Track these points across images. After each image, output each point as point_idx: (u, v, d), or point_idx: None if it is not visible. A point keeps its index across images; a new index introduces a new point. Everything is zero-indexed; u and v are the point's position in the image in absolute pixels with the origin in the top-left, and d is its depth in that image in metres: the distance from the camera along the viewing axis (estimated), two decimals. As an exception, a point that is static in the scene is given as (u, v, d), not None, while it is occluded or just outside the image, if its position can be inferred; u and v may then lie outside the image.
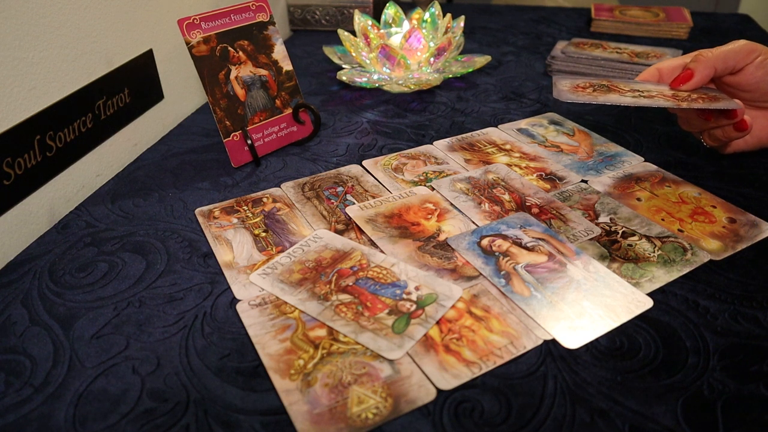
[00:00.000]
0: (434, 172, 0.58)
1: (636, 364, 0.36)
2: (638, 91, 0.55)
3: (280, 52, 0.63)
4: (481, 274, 0.43)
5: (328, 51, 0.83)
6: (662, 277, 0.43)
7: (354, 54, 0.77)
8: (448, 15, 0.78)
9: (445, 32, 0.77)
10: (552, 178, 0.56)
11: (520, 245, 0.46)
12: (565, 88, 0.57)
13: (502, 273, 0.43)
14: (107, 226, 0.51)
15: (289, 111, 0.63)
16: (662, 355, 0.37)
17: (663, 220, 0.50)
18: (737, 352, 0.37)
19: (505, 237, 0.47)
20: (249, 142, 0.59)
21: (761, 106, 0.56)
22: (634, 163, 0.59)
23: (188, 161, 0.61)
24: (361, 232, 0.49)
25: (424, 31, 0.80)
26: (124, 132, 0.61)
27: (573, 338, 0.38)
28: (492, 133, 0.66)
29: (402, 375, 0.35)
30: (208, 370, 0.36)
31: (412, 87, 0.74)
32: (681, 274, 0.44)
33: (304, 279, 0.43)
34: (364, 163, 0.60)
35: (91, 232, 0.50)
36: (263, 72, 0.61)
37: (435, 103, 0.75)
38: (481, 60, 0.82)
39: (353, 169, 0.59)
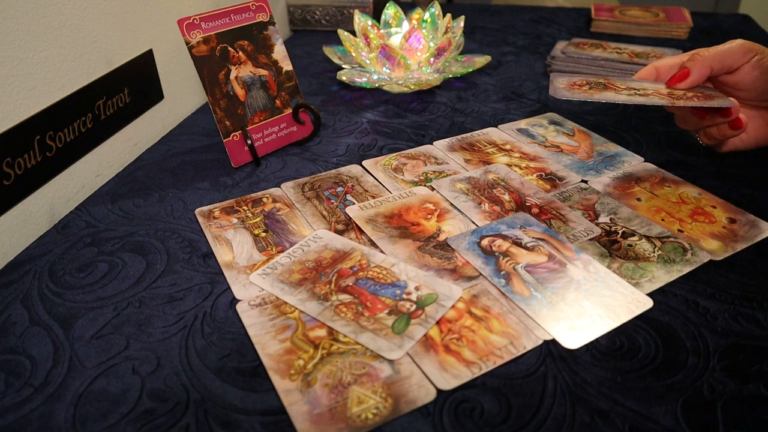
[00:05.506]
0: (434, 172, 0.58)
1: (636, 364, 0.36)
2: (634, 89, 0.55)
3: (280, 52, 0.63)
4: (481, 274, 0.43)
5: (328, 51, 0.83)
6: (662, 277, 0.43)
7: (354, 54, 0.77)
8: (448, 15, 0.78)
9: (445, 32, 0.77)
10: (552, 178, 0.56)
11: (520, 245, 0.46)
12: (561, 86, 0.57)
13: (502, 273, 0.43)
14: (107, 226, 0.51)
15: (289, 111, 0.63)
16: (662, 356, 0.37)
17: (663, 220, 0.50)
18: (737, 352, 0.37)
19: (505, 237, 0.47)
20: (249, 142, 0.59)
21: (758, 106, 0.56)
22: (634, 163, 0.59)
23: (188, 161, 0.61)
24: (361, 232, 0.49)
25: (424, 31, 0.80)
26: (124, 132, 0.61)
27: (573, 338, 0.38)
28: (492, 133, 0.66)
29: (402, 375, 0.35)
30: (208, 370, 0.36)
31: (412, 87, 0.74)
32: (681, 274, 0.44)
33: (304, 279, 0.43)
34: (364, 163, 0.60)
35: (91, 232, 0.50)
36: (263, 72, 0.61)
37: (435, 103, 0.75)
38: (481, 60, 0.82)
39: (353, 169, 0.59)
